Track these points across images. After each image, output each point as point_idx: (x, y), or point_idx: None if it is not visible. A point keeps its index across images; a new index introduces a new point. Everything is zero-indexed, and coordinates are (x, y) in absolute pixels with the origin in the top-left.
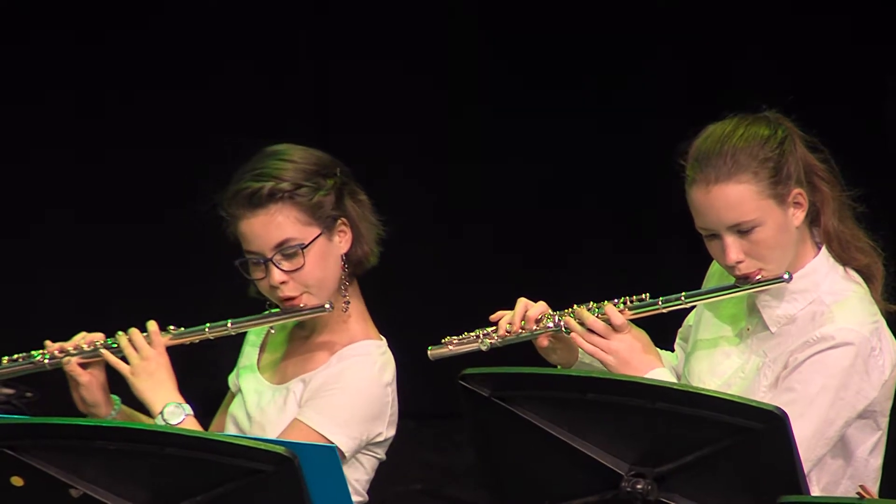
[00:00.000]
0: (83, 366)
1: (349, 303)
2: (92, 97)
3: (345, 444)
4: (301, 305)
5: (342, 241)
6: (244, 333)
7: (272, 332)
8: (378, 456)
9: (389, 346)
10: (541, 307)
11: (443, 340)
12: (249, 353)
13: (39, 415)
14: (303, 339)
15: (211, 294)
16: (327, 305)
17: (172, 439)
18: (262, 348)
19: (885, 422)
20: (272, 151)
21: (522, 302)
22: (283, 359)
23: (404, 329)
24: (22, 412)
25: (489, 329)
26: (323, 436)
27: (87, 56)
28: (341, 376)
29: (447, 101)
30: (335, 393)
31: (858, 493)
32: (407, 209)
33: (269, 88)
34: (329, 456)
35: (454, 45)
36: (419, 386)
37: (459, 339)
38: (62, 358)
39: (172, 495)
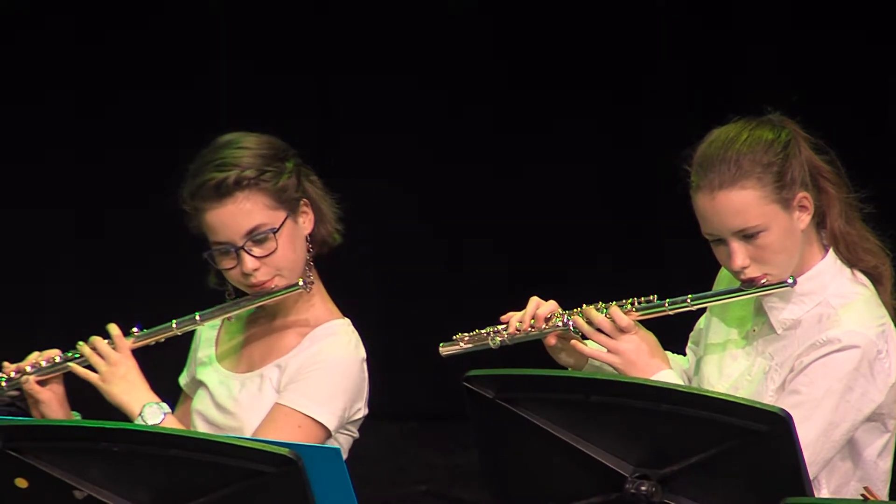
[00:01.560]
0: (41, 383)
1: (313, 283)
2: (92, 97)
3: (329, 420)
4: (272, 287)
5: (305, 222)
6: (192, 333)
7: (231, 320)
8: (353, 434)
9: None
10: (551, 306)
11: (454, 337)
12: (205, 349)
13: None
14: (265, 323)
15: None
16: (301, 283)
17: (176, 441)
18: (217, 341)
19: (893, 424)
20: (225, 142)
21: (534, 300)
22: (245, 345)
23: (409, 331)
24: (27, 414)
25: (499, 327)
26: (307, 416)
27: (87, 56)
28: (319, 356)
29: (448, 103)
30: (315, 373)
31: (863, 495)
32: (410, 209)
33: (270, 88)
34: (333, 458)
35: (455, 47)
36: (424, 387)
37: (470, 336)
38: (20, 378)
39: (176, 497)
